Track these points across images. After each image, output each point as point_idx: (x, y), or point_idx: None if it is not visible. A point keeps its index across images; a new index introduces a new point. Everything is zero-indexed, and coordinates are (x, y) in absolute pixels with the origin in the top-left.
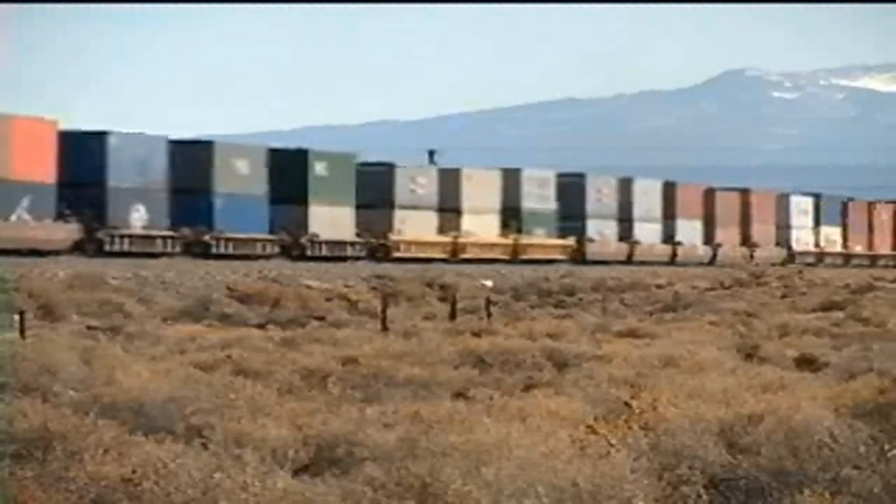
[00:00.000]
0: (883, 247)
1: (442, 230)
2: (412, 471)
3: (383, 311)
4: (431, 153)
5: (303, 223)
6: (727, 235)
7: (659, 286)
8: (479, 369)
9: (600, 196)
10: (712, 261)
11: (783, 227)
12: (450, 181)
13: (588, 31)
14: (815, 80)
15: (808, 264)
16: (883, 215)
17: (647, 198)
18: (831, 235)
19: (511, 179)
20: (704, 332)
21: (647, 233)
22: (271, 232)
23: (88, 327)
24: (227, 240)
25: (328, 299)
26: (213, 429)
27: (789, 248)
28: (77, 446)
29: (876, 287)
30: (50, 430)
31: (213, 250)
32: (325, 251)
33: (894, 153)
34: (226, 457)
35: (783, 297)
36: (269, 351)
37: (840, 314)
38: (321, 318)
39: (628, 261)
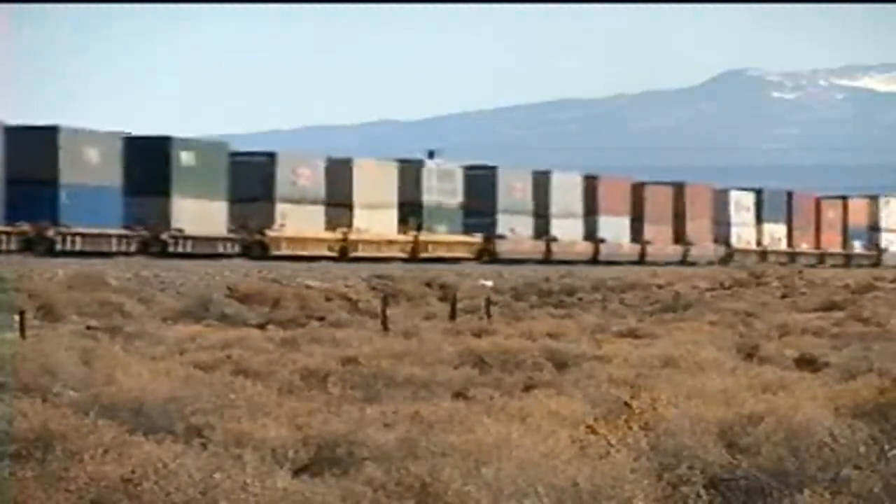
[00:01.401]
0: (831, 244)
1: (331, 226)
2: (412, 471)
3: (383, 311)
4: (431, 153)
5: (164, 217)
6: (658, 232)
7: (659, 286)
8: (479, 369)
9: (513, 190)
10: (640, 259)
11: (722, 224)
12: (339, 173)
13: (588, 31)
14: (815, 80)
15: (750, 265)
16: (830, 212)
17: (565, 192)
18: (775, 233)
19: (410, 172)
20: (704, 333)
21: (566, 229)
22: (127, 227)
23: (88, 327)
24: (74, 235)
25: (328, 299)
26: (213, 429)
27: (728, 245)
28: (77, 446)
29: (876, 287)
30: (50, 430)
31: (58, 247)
32: (190, 248)
33: (894, 153)
34: (226, 457)
35: (783, 297)
36: (269, 351)
37: (840, 314)
38: (321, 318)
39: (545, 260)
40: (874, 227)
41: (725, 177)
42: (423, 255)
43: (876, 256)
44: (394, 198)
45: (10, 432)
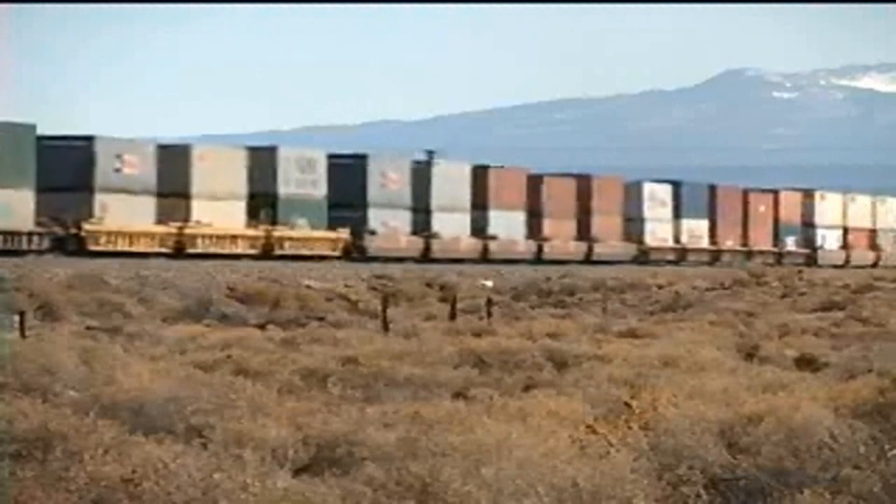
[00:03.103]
0: (761, 242)
1: (164, 219)
2: (412, 471)
3: (383, 311)
4: (431, 153)
5: None
6: (558, 228)
7: (659, 286)
8: (479, 369)
9: (388, 181)
10: (537, 257)
11: (634, 220)
12: (174, 161)
13: (588, 31)
14: (815, 80)
15: (668, 262)
16: (760, 206)
17: (450, 184)
18: (696, 229)
19: (262, 160)
20: (704, 332)
21: (450, 225)
22: None
23: (88, 327)
24: None
25: (328, 299)
26: (213, 429)
27: (641, 243)
28: (77, 446)
29: (876, 287)
30: (50, 430)
31: None
32: None
33: (894, 153)
34: (226, 457)
35: (783, 296)
36: (269, 351)
37: (840, 314)
38: (321, 319)
39: (423, 258)
40: (809, 224)
41: (726, 177)
42: (278, 252)
43: (810, 255)
44: (242, 188)
45: (10, 432)
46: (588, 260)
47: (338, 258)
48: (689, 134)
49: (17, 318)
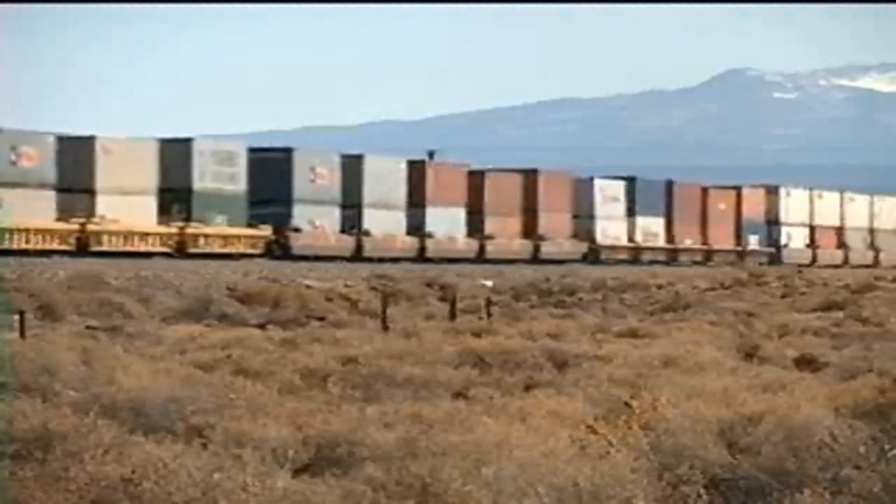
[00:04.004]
0: (722, 240)
1: (65, 215)
2: (412, 471)
3: (383, 311)
4: (431, 153)
5: None
6: (502, 226)
7: (659, 286)
8: (479, 369)
9: (315, 176)
10: (479, 256)
11: (584, 217)
12: (76, 154)
13: (588, 31)
14: (815, 80)
15: (621, 261)
16: (721, 204)
17: (383, 180)
18: (651, 227)
19: (175, 153)
20: (704, 332)
21: (383, 222)
22: None
23: (88, 327)
24: None
25: (328, 299)
26: (213, 429)
27: (592, 241)
28: (77, 446)
29: (876, 287)
30: (50, 430)
31: None
32: None
33: (894, 153)
34: (226, 457)
35: (783, 296)
36: (269, 351)
37: (840, 314)
38: (321, 318)
39: (355, 256)
40: (773, 221)
41: (725, 177)
42: (193, 249)
43: (775, 254)
44: (152, 183)
45: (10, 432)
46: (535, 259)
47: (258, 256)
48: (690, 134)
49: (17, 318)
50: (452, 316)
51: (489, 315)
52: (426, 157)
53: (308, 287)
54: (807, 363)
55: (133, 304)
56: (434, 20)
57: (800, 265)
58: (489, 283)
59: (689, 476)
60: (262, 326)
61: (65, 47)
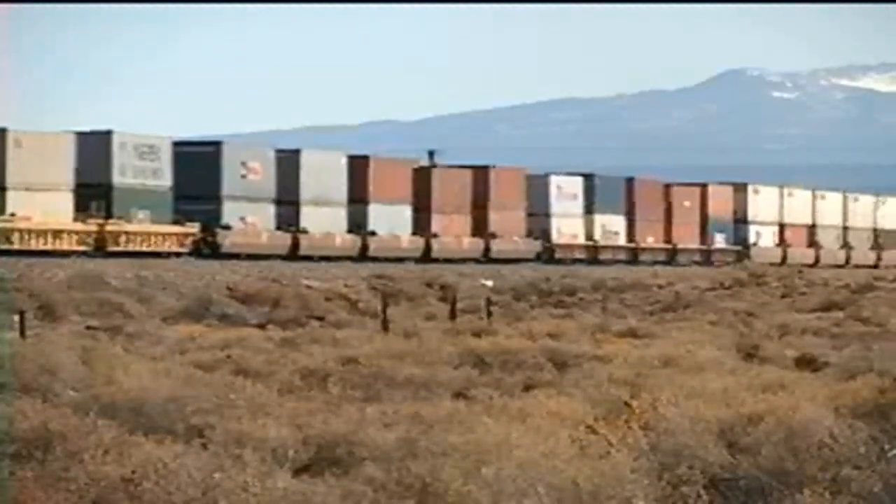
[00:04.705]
0: (686, 239)
1: None
2: (412, 471)
3: (383, 311)
4: (431, 153)
5: None
6: (450, 224)
7: (659, 286)
8: (479, 369)
9: (247, 171)
10: (426, 254)
11: (540, 215)
12: None
13: (588, 31)
14: (815, 80)
15: (578, 260)
16: (686, 201)
17: (322, 175)
18: (610, 225)
19: (93, 146)
20: (704, 332)
21: (322, 220)
22: None
23: (88, 327)
24: None
25: (328, 299)
26: (213, 429)
27: (547, 240)
28: (77, 446)
29: (876, 287)
30: (50, 430)
31: None
32: None
33: (894, 153)
34: (226, 457)
35: (783, 296)
36: (269, 351)
37: (840, 314)
38: (321, 318)
39: (291, 255)
40: (741, 220)
41: (725, 177)
42: (114, 248)
43: (742, 252)
44: (68, 178)
45: (10, 432)
46: (486, 258)
47: (186, 254)
48: (690, 134)
49: (17, 318)
50: (452, 316)
51: (489, 315)
52: (426, 157)
53: (308, 287)
54: (807, 363)
55: (133, 304)
56: (434, 20)
57: (770, 264)
58: (489, 283)
59: (689, 476)
60: (262, 326)
61: (69, 47)
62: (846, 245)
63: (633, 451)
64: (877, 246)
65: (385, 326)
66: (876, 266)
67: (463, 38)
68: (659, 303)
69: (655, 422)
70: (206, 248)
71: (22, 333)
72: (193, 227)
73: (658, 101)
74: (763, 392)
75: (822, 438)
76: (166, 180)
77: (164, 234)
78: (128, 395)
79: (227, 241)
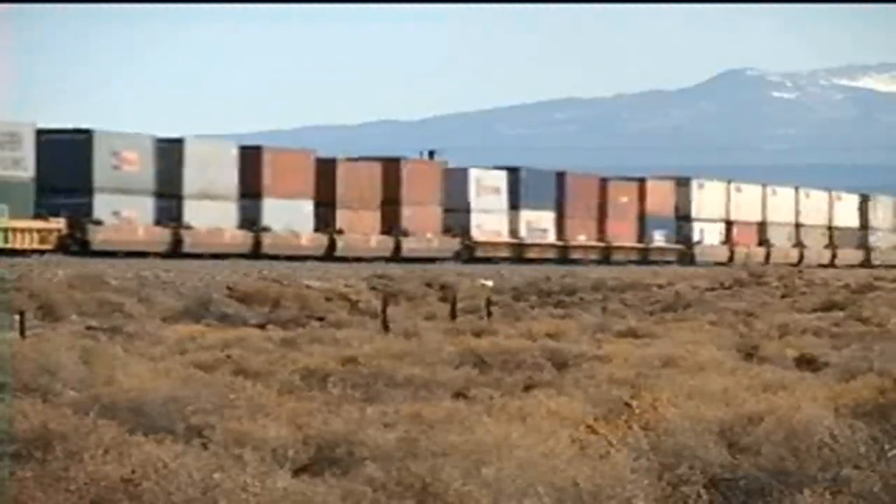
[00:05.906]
0: (622, 237)
1: None
2: (412, 471)
3: (384, 311)
4: (431, 153)
5: None
6: (356, 220)
7: (659, 286)
8: (479, 369)
9: (119, 162)
10: (329, 254)
11: (458, 211)
12: None
13: (589, 31)
14: (815, 80)
15: (502, 259)
16: (622, 197)
17: (210, 167)
18: (538, 222)
19: None
20: (704, 332)
21: (209, 214)
22: None
23: (88, 327)
24: None
25: (328, 299)
26: (213, 429)
27: (467, 237)
28: (77, 446)
29: (876, 287)
30: (50, 430)
31: None
32: None
33: (894, 153)
34: (226, 457)
35: (783, 296)
36: (269, 351)
37: (840, 314)
38: (321, 318)
39: (172, 253)
40: (684, 217)
41: (725, 177)
42: None
43: (686, 251)
44: None
45: (11, 432)
46: (396, 257)
47: (50, 252)
48: (689, 134)
49: (17, 317)
50: (453, 316)
51: (489, 315)
52: (428, 157)
53: (308, 287)
54: (807, 363)
55: (133, 304)
56: (434, 20)
57: (716, 263)
58: (489, 283)
59: (689, 476)
60: (261, 326)
61: (66, 45)
62: (799, 244)
63: (633, 451)
64: (831, 244)
65: (385, 326)
66: (831, 265)
67: (463, 37)
68: (659, 302)
69: (655, 422)
70: (74, 245)
71: (22, 333)
72: (59, 223)
73: (658, 101)
74: (763, 392)
75: (822, 438)
76: (28, 171)
77: (22, 230)
78: (128, 395)
79: (98, 237)
